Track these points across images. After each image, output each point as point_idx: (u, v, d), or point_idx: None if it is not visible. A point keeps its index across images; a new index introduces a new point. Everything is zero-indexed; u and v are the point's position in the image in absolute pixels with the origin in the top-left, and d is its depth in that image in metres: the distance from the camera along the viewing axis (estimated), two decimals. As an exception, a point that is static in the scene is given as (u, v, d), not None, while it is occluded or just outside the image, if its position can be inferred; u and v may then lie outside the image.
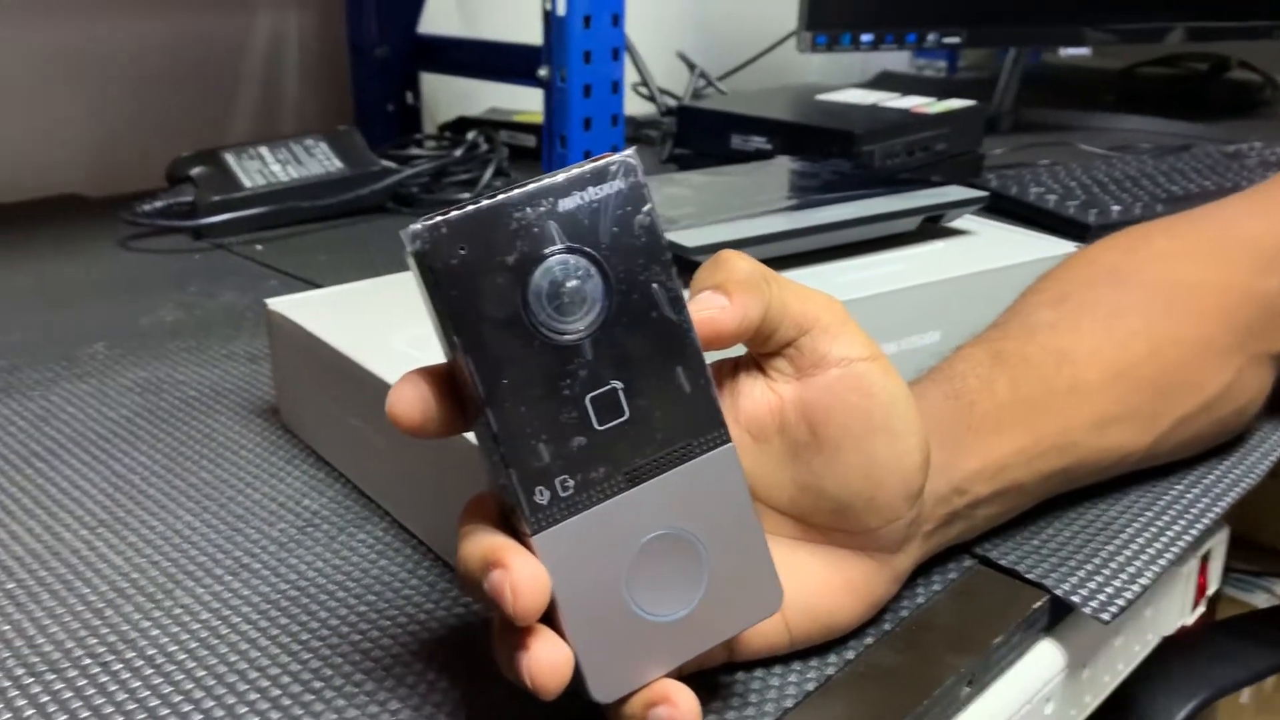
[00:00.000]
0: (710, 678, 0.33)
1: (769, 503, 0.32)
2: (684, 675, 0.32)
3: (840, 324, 0.31)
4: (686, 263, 0.44)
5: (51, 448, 0.48)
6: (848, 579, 0.33)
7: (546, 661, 0.27)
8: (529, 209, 0.26)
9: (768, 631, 0.32)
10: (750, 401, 0.32)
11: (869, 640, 0.35)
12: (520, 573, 0.26)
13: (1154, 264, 0.45)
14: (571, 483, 0.27)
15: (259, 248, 0.77)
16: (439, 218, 0.26)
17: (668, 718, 0.28)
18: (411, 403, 0.27)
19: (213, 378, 0.55)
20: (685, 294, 0.29)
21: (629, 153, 0.28)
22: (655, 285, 0.28)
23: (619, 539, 0.28)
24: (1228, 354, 0.43)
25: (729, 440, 0.29)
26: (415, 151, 0.95)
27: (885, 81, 1.42)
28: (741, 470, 0.30)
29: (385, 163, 0.87)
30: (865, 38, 1.03)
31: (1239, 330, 0.43)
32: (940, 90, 1.00)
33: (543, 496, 0.27)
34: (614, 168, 0.27)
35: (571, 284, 0.27)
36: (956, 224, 0.59)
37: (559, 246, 0.27)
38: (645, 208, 0.27)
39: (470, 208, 0.26)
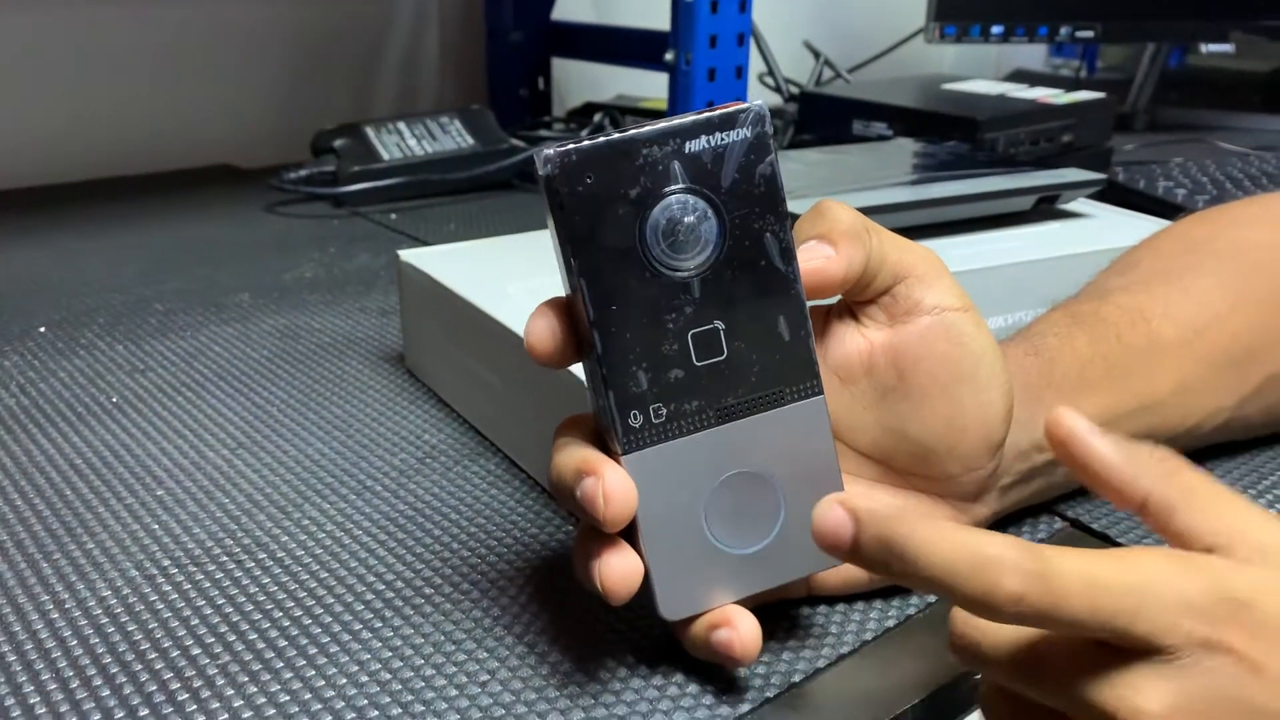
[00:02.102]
0: (792, 609, 0.34)
1: (852, 445, 0.34)
2: (765, 605, 0.33)
3: (936, 274, 0.32)
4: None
5: (199, 380, 0.52)
6: None
7: (617, 570, 0.29)
8: (656, 147, 0.28)
9: (847, 568, 0.34)
10: (840, 345, 0.33)
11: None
12: (612, 481, 0.28)
13: (1229, 230, 0.45)
14: (665, 411, 0.29)
15: (393, 216, 0.82)
16: (571, 145, 0.27)
17: (727, 639, 0.30)
18: (541, 332, 0.29)
19: (345, 327, 0.59)
20: (795, 247, 0.30)
21: (758, 102, 0.28)
22: (769, 234, 0.29)
23: (702, 470, 0.30)
24: None
25: (821, 392, 0.30)
26: (544, 133, 0.99)
27: (1018, 78, 1.40)
28: (829, 422, 0.31)
29: (514, 141, 0.91)
30: (995, 30, 1.02)
31: None
32: (1073, 87, 0.98)
33: (636, 420, 0.29)
34: (743, 115, 0.28)
35: (688, 222, 0.28)
36: (1073, 208, 0.59)
37: (680, 186, 0.28)
38: (768, 158, 0.28)
39: (601, 139, 0.27)
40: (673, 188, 0.28)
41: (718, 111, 0.28)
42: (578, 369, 0.38)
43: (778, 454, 0.30)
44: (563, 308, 0.29)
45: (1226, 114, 1.21)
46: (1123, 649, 0.24)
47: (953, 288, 0.33)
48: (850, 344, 0.33)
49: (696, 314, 0.29)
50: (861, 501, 0.27)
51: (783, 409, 0.30)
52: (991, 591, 0.23)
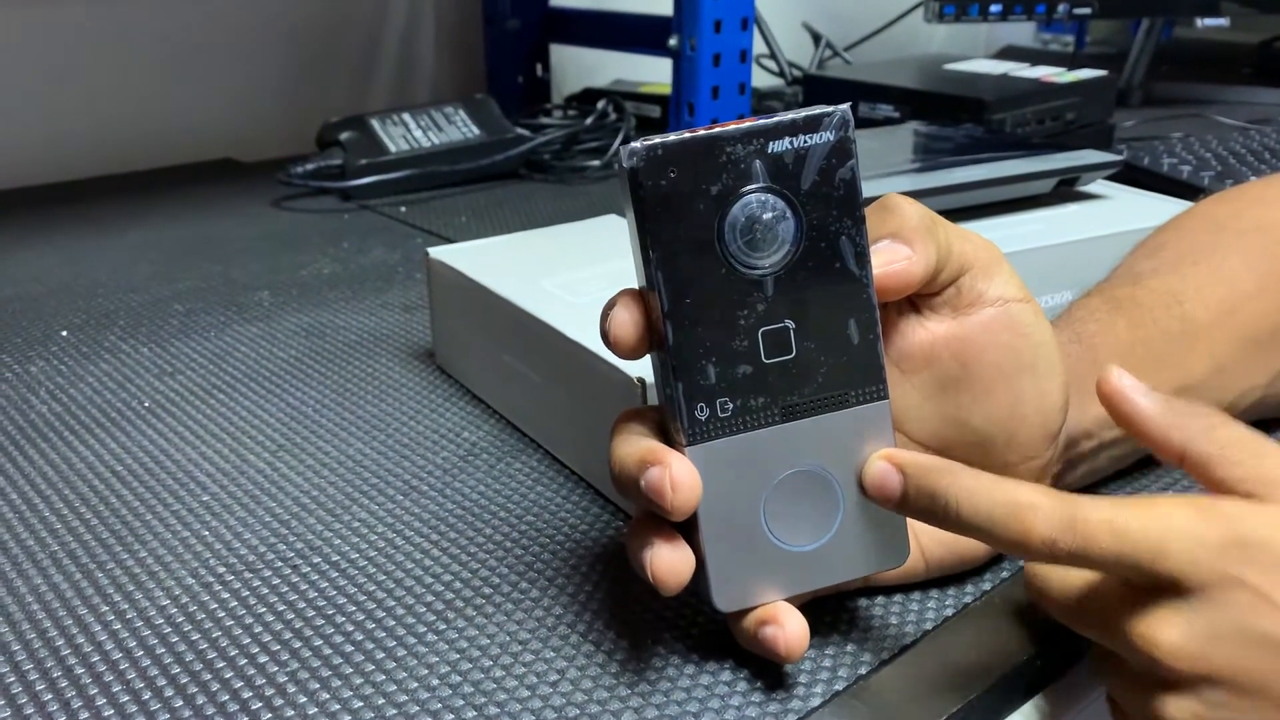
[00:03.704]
0: (853, 601, 0.35)
1: (911, 435, 0.34)
2: (823, 600, 0.34)
3: (997, 264, 0.33)
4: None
5: (230, 381, 0.52)
6: None
7: (668, 562, 0.29)
8: (740, 145, 0.28)
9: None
10: (902, 337, 0.33)
11: (1005, 575, 0.36)
12: (678, 471, 0.28)
13: (1251, 210, 0.45)
14: (731, 406, 0.29)
15: (403, 209, 0.81)
16: (657, 139, 0.28)
17: (773, 636, 0.30)
18: (625, 325, 0.29)
19: (370, 324, 0.59)
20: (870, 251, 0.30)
21: (844, 107, 0.29)
22: (845, 238, 0.29)
23: (764, 466, 0.30)
24: None
25: (886, 397, 0.30)
26: (545, 121, 0.98)
27: (1010, 55, 1.40)
28: (891, 426, 0.31)
29: (519, 130, 0.90)
30: (994, 8, 1.02)
31: None
32: (1069, 63, 0.99)
33: (703, 413, 0.29)
34: (827, 119, 0.28)
35: (766, 220, 0.28)
36: (1091, 189, 0.59)
37: (760, 185, 0.28)
38: (849, 162, 0.29)
39: (687, 134, 0.28)
40: (753, 186, 0.28)
41: (803, 114, 0.28)
42: (621, 362, 0.38)
43: (839, 454, 0.31)
44: (638, 299, 0.30)
45: (1219, 87, 1.22)
46: (1150, 589, 0.27)
47: (1013, 278, 0.33)
48: (912, 336, 0.33)
49: (768, 312, 0.29)
50: (907, 455, 0.29)
51: (847, 411, 0.30)
52: (1026, 535, 0.27)
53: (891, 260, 0.30)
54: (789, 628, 0.30)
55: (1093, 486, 0.40)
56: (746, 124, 0.28)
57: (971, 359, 0.32)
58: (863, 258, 0.29)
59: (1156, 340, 0.39)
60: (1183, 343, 0.40)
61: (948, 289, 0.32)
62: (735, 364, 0.29)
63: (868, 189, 0.53)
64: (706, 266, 0.28)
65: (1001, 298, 0.32)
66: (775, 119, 0.28)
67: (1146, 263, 0.43)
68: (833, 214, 0.29)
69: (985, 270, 0.32)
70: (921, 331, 0.33)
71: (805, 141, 0.28)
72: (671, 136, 0.28)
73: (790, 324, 0.29)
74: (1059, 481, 0.38)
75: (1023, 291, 0.33)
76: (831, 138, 0.28)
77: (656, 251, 0.28)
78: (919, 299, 0.33)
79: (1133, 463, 0.41)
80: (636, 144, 0.28)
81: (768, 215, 0.28)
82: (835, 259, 0.29)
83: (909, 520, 0.32)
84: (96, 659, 0.33)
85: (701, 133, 0.28)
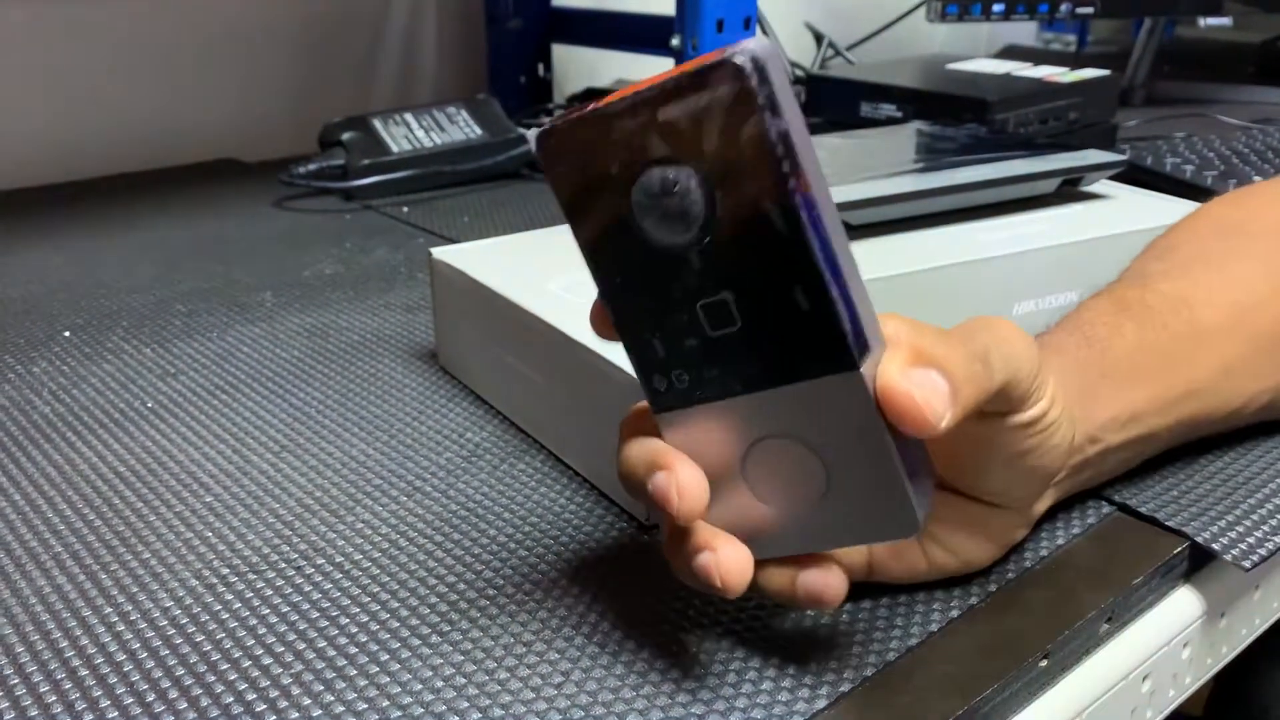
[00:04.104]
0: (856, 601, 0.35)
1: None
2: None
3: (1035, 375, 0.31)
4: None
5: (233, 382, 0.52)
6: (985, 527, 0.34)
7: (734, 560, 0.29)
8: (628, 119, 0.25)
9: (908, 557, 0.34)
10: None
11: (1010, 575, 0.36)
12: (684, 475, 0.28)
13: (1263, 212, 0.45)
14: (686, 377, 0.28)
15: (405, 209, 0.81)
16: (555, 121, 0.26)
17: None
18: (595, 307, 0.29)
19: (373, 325, 0.59)
20: (807, 207, 0.25)
21: (745, 50, 0.24)
22: (767, 200, 0.25)
23: (736, 432, 0.29)
24: None
25: (854, 368, 0.27)
26: (548, 121, 0.98)
27: (1012, 56, 1.40)
28: (869, 396, 0.27)
29: (521, 130, 0.90)
30: (996, 8, 1.02)
31: None
32: (1071, 63, 0.98)
33: (660, 384, 0.29)
34: (718, 72, 0.24)
35: (670, 197, 0.26)
36: (1094, 189, 0.59)
37: (657, 157, 0.26)
38: (753, 116, 0.24)
39: (574, 116, 0.26)
40: (649, 160, 0.26)
41: (689, 70, 0.25)
42: (624, 363, 0.38)
43: (814, 425, 0.28)
44: None
45: (1221, 86, 1.22)
46: None
47: (1046, 384, 0.31)
48: None
49: (701, 285, 0.27)
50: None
51: (812, 382, 0.27)
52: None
53: (922, 393, 0.27)
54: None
55: (1109, 487, 0.40)
56: (631, 93, 0.25)
57: (983, 451, 0.32)
58: (793, 221, 0.25)
59: (1166, 343, 0.39)
60: (1191, 346, 0.40)
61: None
62: (680, 338, 0.28)
63: (874, 188, 0.52)
64: (627, 245, 0.27)
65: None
66: (660, 82, 0.25)
67: (1157, 265, 0.43)
68: (748, 176, 0.25)
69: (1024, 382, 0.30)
70: None
71: (698, 102, 0.25)
72: (571, 115, 0.26)
73: (729, 295, 0.27)
74: (1065, 487, 0.38)
75: (1055, 403, 0.31)
76: (728, 92, 0.24)
77: (580, 233, 0.28)
78: None
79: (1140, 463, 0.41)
80: (544, 127, 0.27)
81: (672, 189, 0.26)
82: (761, 224, 0.26)
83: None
84: (100, 660, 0.32)
85: (588, 111, 0.26)
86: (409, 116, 0.87)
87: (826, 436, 0.28)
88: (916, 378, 0.27)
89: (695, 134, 0.25)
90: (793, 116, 0.25)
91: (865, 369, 0.27)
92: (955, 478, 0.33)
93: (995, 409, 0.30)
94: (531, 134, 0.28)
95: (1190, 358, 0.39)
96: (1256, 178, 0.77)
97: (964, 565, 0.35)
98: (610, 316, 0.28)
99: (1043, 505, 0.36)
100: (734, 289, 0.27)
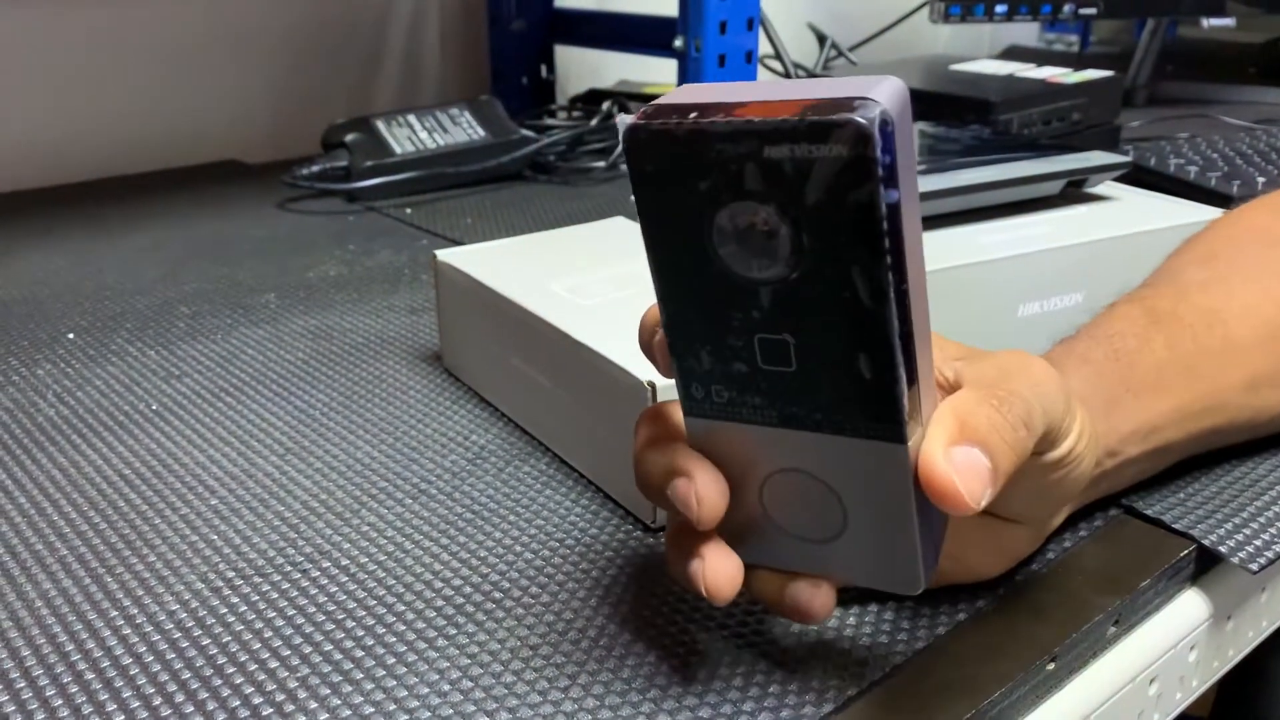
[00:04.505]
0: (863, 605, 0.35)
1: None
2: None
3: (1066, 416, 0.31)
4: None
5: (238, 384, 0.52)
6: (998, 541, 0.34)
7: (721, 571, 0.29)
8: (730, 144, 0.24)
9: None
10: None
11: (1018, 579, 0.36)
12: (704, 481, 0.28)
13: None
14: (726, 395, 0.28)
15: (409, 211, 0.81)
16: (648, 120, 0.25)
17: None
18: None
19: (377, 327, 0.59)
20: (898, 283, 0.25)
21: (866, 116, 0.22)
22: (858, 268, 0.24)
23: (762, 454, 0.29)
24: None
25: (903, 442, 0.26)
26: (550, 122, 0.98)
27: (1015, 56, 1.40)
28: (909, 469, 0.27)
29: (524, 131, 0.90)
30: (999, 8, 1.02)
31: None
32: (1074, 63, 0.98)
33: (698, 392, 0.28)
34: (839, 130, 0.23)
35: (757, 231, 0.25)
36: (1099, 191, 0.59)
37: (753, 190, 0.24)
38: (868, 185, 0.23)
39: (675, 122, 0.25)
40: (741, 192, 0.25)
41: (810, 117, 0.23)
42: (630, 365, 0.38)
43: (843, 475, 0.28)
44: None
45: (1224, 87, 1.22)
46: None
47: (1075, 423, 0.31)
48: None
49: (764, 321, 0.26)
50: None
51: (854, 440, 0.27)
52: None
53: (964, 478, 0.26)
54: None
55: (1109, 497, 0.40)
56: (741, 120, 0.24)
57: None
58: (880, 294, 0.24)
59: (1194, 358, 0.39)
60: (1222, 360, 0.40)
61: None
62: (729, 360, 0.27)
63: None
64: (698, 258, 0.26)
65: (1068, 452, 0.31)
66: (778, 118, 0.23)
67: (1195, 273, 0.43)
68: (842, 240, 0.24)
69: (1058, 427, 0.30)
70: None
71: (810, 151, 0.23)
72: (660, 121, 0.25)
73: (789, 339, 0.26)
74: (1081, 499, 0.37)
75: (1083, 440, 0.31)
76: (844, 153, 0.23)
77: (650, 231, 0.26)
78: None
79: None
80: (632, 119, 0.25)
81: (758, 227, 0.25)
82: (844, 288, 0.25)
83: None
84: (106, 664, 0.32)
85: (690, 123, 0.24)
86: (412, 118, 0.87)
87: (854, 488, 0.28)
88: (959, 460, 0.26)
89: (799, 182, 0.24)
90: (907, 181, 0.24)
91: (912, 443, 0.27)
92: None
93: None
94: (621, 120, 0.27)
95: (1217, 372, 0.39)
96: (1260, 179, 0.77)
97: (971, 576, 0.35)
98: (663, 317, 0.27)
99: (1057, 521, 0.36)
100: (797, 335, 0.26)
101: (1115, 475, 0.38)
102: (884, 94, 0.23)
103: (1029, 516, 0.34)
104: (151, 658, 0.33)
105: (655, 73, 1.12)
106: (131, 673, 0.32)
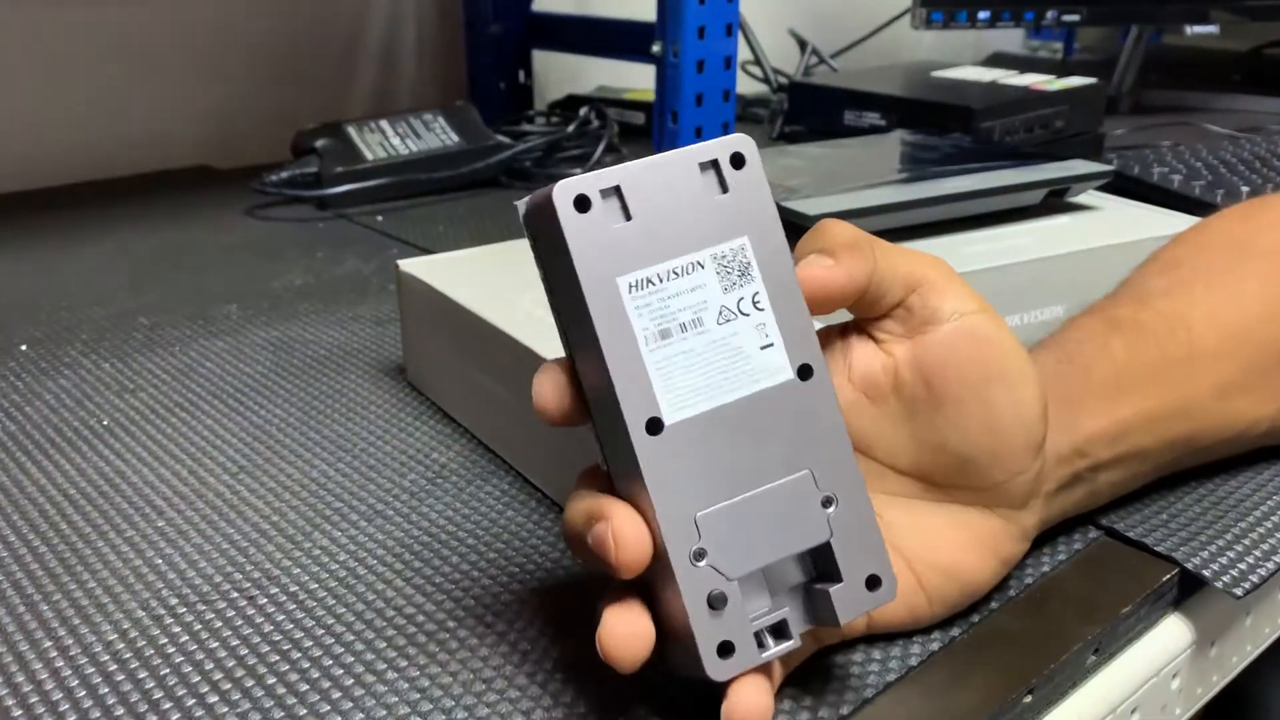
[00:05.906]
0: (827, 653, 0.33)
1: (890, 464, 0.32)
2: (821, 645, 0.32)
3: (947, 279, 0.32)
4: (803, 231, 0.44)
5: (193, 399, 0.50)
6: (976, 536, 0.33)
7: (619, 638, 0.27)
8: (531, 217, 0.28)
9: (905, 594, 0.32)
10: (864, 364, 0.32)
11: (994, 605, 0.35)
12: (622, 522, 0.27)
13: (1271, 230, 0.44)
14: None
15: (379, 218, 0.80)
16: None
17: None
18: (547, 393, 0.29)
19: (341, 338, 0.57)
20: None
21: (547, 191, 0.27)
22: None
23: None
24: None
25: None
26: (527, 128, 0.97)
27: (999, 63, 1.39)
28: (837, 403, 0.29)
29: (500, 137, 0.89)
30: (982, 15, 1.01)
31: None
32: (1057, 71, 0.97)
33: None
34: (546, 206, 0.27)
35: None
36: (1081, 200, 0.58)
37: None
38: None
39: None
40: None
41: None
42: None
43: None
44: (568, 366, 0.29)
45: (1207, 94, 1.21)
46: None
47: (965, 290, 0.32)
48: (873, 361, 0.32)
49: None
50: None
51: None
52: None
53: (810, 268, 0.30)
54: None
55: (1097, 510, 0.39)
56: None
57: (936, 378, 0.31)
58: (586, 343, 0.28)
59: (1157, 362, 0.38)
60: (1189, 368, 0.38)
61: (897, 309, 0.31)
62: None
63: (857, 199, 0.51)
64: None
65: (957, 311, 0.31)
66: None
67: (1159, 280, 0.42)
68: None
69: (935, 287, 0.31)
70: (883, 357, 0.32)
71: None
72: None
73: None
74: (1058, 504, 0.36)
75: (978, 303, 0.32)
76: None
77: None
78: (872, 324, 0.32)
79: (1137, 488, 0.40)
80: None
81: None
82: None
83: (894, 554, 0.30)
84: (35, 700, 0.31)
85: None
86: (384, 123, 0.86)
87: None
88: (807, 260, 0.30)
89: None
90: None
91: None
92: (937, 457, 0.32)
93: (897, 293, 0.31)
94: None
95: (1184, 377, 0.38)
96: (1244, 187, 0.76)
97: (964, 589, 0.33)
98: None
99: (1033, 517, 0.34)
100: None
101: (1089, 480, 0.36)
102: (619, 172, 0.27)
103: (999, 463, 0.32)
104: (84, 692, 0.31)
105: (634, 78, 1.10)
106: (61, 709, 0.30)
